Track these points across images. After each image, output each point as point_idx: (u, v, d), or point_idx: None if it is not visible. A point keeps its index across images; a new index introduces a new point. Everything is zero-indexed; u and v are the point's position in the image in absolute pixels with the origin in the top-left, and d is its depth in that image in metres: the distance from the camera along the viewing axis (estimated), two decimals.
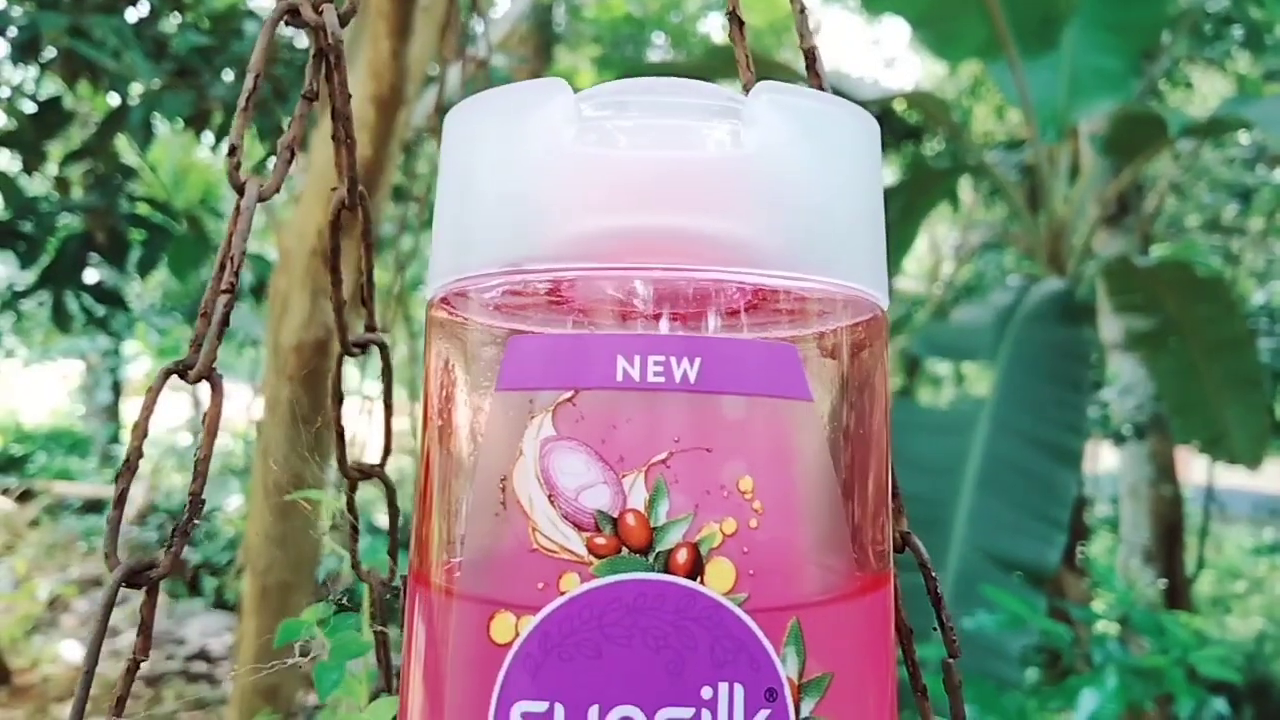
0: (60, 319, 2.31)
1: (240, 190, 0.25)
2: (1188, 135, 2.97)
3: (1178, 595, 4.15)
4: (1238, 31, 4.25)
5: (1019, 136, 4.30)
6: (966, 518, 2.53)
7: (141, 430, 0.24)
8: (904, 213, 3.49)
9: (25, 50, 2.22)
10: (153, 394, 0.24)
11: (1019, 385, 2.82)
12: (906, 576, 0.27)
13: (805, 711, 0.18)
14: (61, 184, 2.36)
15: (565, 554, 0.18)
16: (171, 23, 2.15)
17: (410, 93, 0.98)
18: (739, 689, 0.17)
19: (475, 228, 0.19)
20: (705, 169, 0.18)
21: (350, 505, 0.34)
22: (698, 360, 0.18)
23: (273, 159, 0.28)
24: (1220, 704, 2.07)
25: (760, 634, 0.17)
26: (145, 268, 2.24)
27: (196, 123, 2.24)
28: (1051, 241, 3.20)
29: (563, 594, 0.17)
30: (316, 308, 1.01)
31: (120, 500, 0.23)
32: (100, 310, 2.44)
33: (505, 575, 0.18)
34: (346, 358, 0.33)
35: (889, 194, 3.49)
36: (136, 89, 2.21)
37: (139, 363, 7.52)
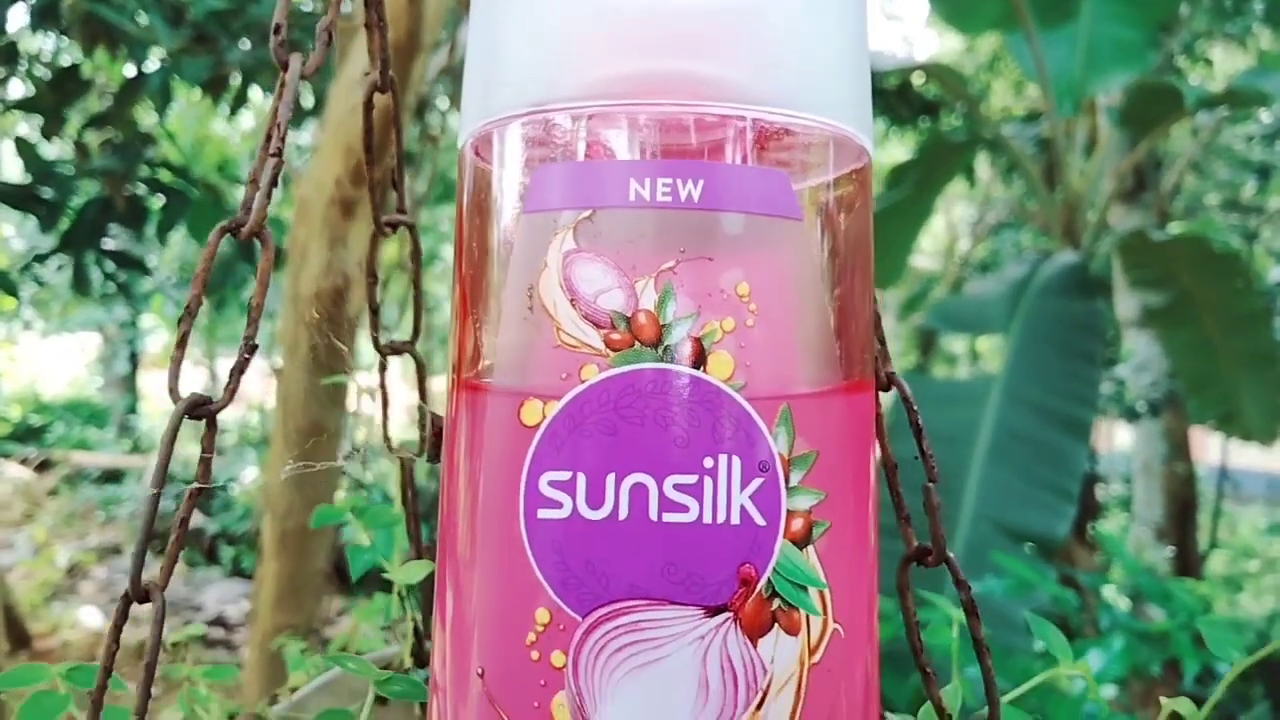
0: (80, 282, 2.34)
1: (284, 66, 0.27)
2: (1205, 107, 2.95)
3: (1190, 572, 4.16)
4: (1259, 6, 4.20)
5: (1037, 111, 4.28)
6: (977, 488, 2.54)
7: (202, 280, 0.27)
8: (920, 187, 3.48)
9: (44, 16, 2.24)
10: (210, 249, 0.27)
11: (1031, 358, 2.82)
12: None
13: (794, 481, 0.20)
14: (81, 149, 2.39)
15: (585, 349, 0.20)
16: None
17: (426, 40, 1.00)
18: (736, 460, 0.20)
19: (502, 75, 0.22)
20: (706, 17, 0.21)
21: (382, 382, 0.37)
22: (701, 182, 0.20)
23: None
24: (1226, 667, 2.09)
25: (755, 415, 0.20)
26: (164, 231, 2.27)
27: (214, 87, 2.26)
28: (1066, 215, 3.19)
29: (583, 382, 0.20)
30: (334, 256, 1.04)
31: (182, 341, 0.26)
32: (120, 276, 2.47)
33: (533, 369, 0.21)
34: (377, 277, 0.35)
35: (905, 169, 3.48)
36: (154, 55, 2.23)
37: (156, 335, 7.59)
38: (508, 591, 0.20)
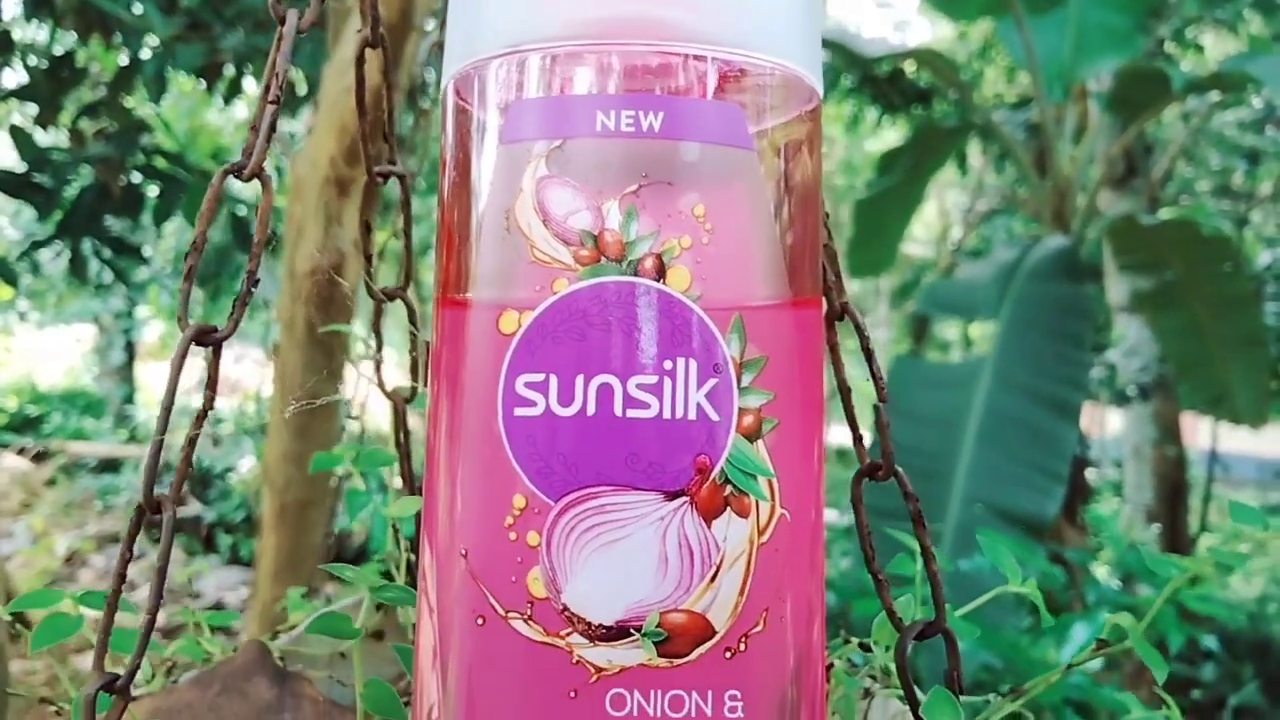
0: (77, 269, 2.36)
1: (281, 20, 0.29)
2: (1192, 91, 2.96)
3: (1180, 554, 4.17)
4: None
5: (1028, 97, 4.29)
6: (967, 470, 2.56)
7: (206, 218, 0.29)
8: (911, 173, 3.49)
9: (39, 4, 2.25)
10: (212, 193, 0.29)
11: (1020, 341, 2.83)
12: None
13: (745, 382, 0.22)
14: (76, 136, 2.40)
15: (557, 264, 0.22)
16: None
17: (417, 20, 1.02)
18: (693, 363, 0.22)
19: (480, 20, 0.24)
20: None
21: (377, 327, 0.39)
22: (661, 114, 0.23)
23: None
24: (1211, 641, 2.12)
25: (710, 323, 0.22)
26: (160, 217, 2.29)
27: (209, 75, 2.27)
28: (1056, 200, 3.20)
29: (555, 294, 0.22)
30: (329, 234, 1.06)
31: (189, 274, 0.28)
32: (118, 262, 2.48)
33: (510, 283, 0.23)
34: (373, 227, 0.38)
35: (896, 155, 3.50)
36: (148, 44, 2.24)
37: (152, 326, 7.59)
38: (488, 481, 0.22)
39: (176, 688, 0.39)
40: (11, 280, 2.35)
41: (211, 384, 0.28)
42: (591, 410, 0.22)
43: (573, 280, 0.22)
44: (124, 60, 2.32)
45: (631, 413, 0.22)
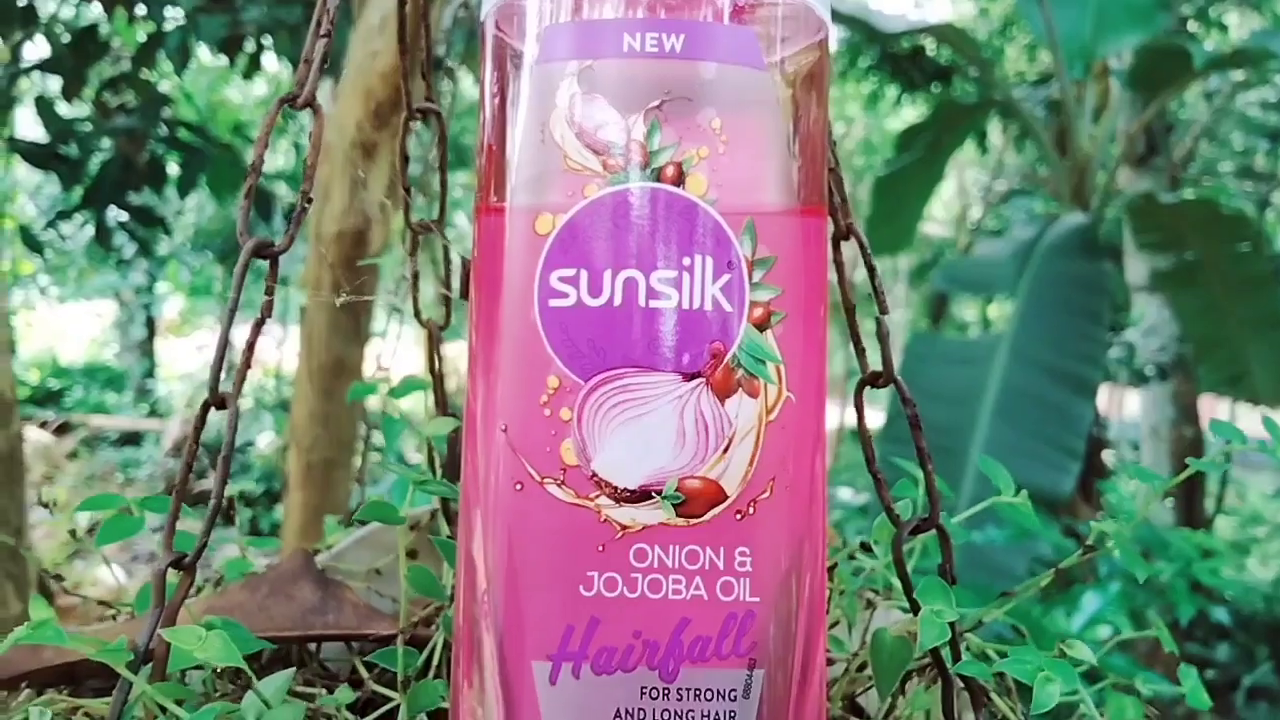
0: (102, 238, 2.39)
1: None
2: (1213, 68, 2.94)
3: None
4: None
5: (1048, 74, 4.26)
6: (983, 445, 2.56)
7: (260, 154, 0.31)
8: (930, 151, 3.49)
9: None
10: (269, 120, 0.32)
11: (1038, 317, 2.83)
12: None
13: (755, 278, 0.25)
14: (101, 107, 2.43)
15: (588, 172, 0.25)
16: None
17: None
18: (709, 259, 0.25)
19: None
20: None
21: (413, 255, 0.42)
22: (682, 36, 0.25)
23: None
24: (1222, 613, 2.14)
25: (724, 225, 0.25)
26: (184, 188, 2.32)
27: (229, 49, 2.30)
28: (1075, 178, 3.19)
29: (586, 198, 0.25)
30: (355, 197, 1.09)
31: (249, 192, 0.31)
32: (141, 232, 2.52)
33: (546, 189, 0.25)
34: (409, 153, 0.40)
35: (916, 131, 3.49)
36: (171, 18, 2.27)
37: (172, 301, 7.67)
38: (525, 365, 0.25)
39: (228, 589, 0.42)
40: (37, 248, 2.39)
41: (269, 291, 0.31)
42: (618, 301, 0.24)
43: (602, 186, 0.25)
44: (147, 34, 2.35)
45: (654, 303, 0.24)
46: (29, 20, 2.37)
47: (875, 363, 0.32)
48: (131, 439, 6.17)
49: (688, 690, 0.23)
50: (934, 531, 0.32)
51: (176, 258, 6.24)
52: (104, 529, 0.37)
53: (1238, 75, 4.06)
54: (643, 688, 0.23)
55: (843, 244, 0.32)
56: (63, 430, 6.03)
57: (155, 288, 7.13)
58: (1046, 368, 2.73)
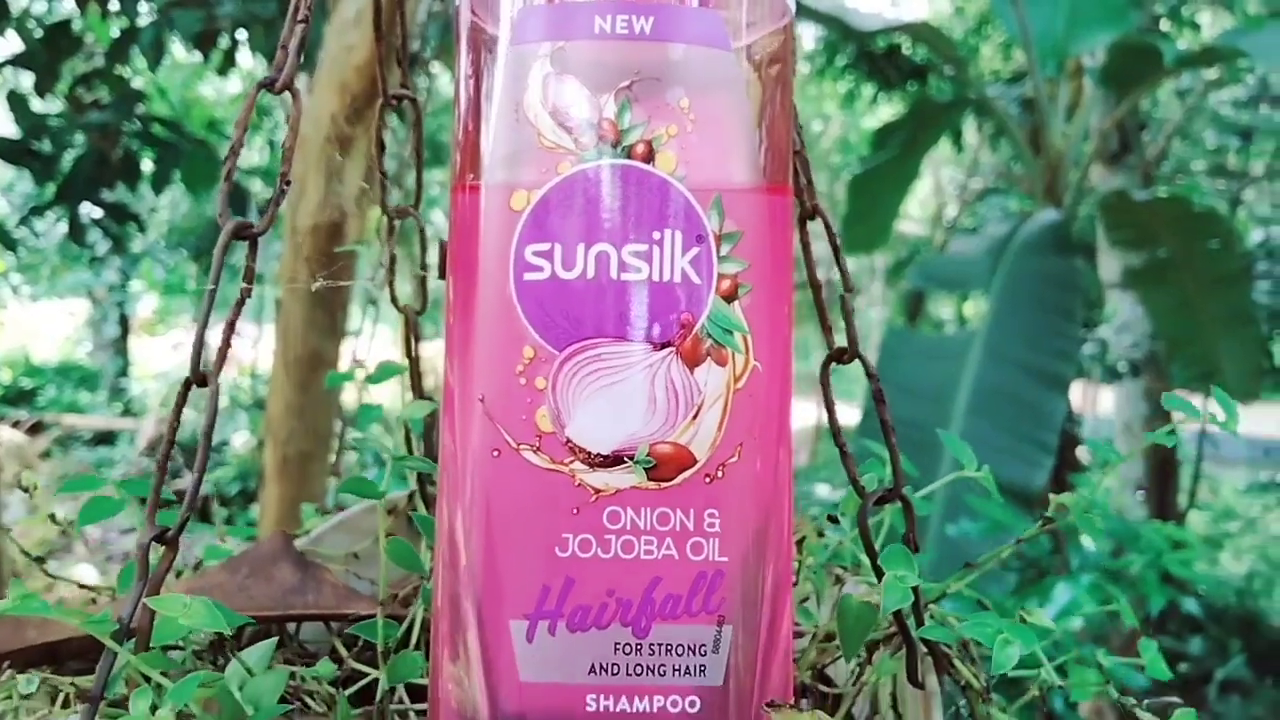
0: (76, 234, 2.37)
1: None
2: (1183, 66, 2.98)
3: None
4: None
5: (1022, 72, 4.29)
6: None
7: (239, 138, 0.32)
8: (906, 149, 3.51)
9: None
10: (249, 103, 0.32)
11: (1011, 314, 2.85)
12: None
13: (723, 252, 0.26)
14: (74, 102, 2.40)
15: (561, 149, 0.26)
16: None
17: None
18: (678, 234, 0.25)
19: None
20: None
21: (389, 241, 0.42)
22: (651, 18, 0.26)
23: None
24: (1193, 604, 2.17)
25: (693, 200, 0.26)
26: (159, 184, 2.31)
27: (204, 43, 2.28)
28: (1048, 176, 3.22)
29: (559, 175, 0.26)
30: (330, 191, 1.09)
31: (228, 175, 0.31)
32: (115, 229, 2.49)
33: (519, 166, 0.26)
34: (387, 127, 0.41)
35: (891, 129, 3.52)
36: (145, 12, 2.25)
37: (145, 300, 7.59)
38: (501, 336, 0.26)
39: (208, 570, 0.42)
40: (10, 246, 2.37)
41: (248, 275, 0.31)
42: (591, 274, 0.25)
43: (574, 163, 0.26)
44: (120, 29, 2.33)
45: (625, 276, 0.25)
46: (2, 15, 2.34)
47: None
48: (105, 438, 6.11)
49: (659, 645, 0.24)
50: (898, 502, 0.33)
51: (150, 255, 6.18)
52: (85, 509, 0.37)
53: (1210, 74, 4.10)
54: (616, 644, 0.24)
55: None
56: (36, 430, 5.96)
57: (129, 286, 7.07)
58: (1019, 363, 2.74)
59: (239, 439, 5.20)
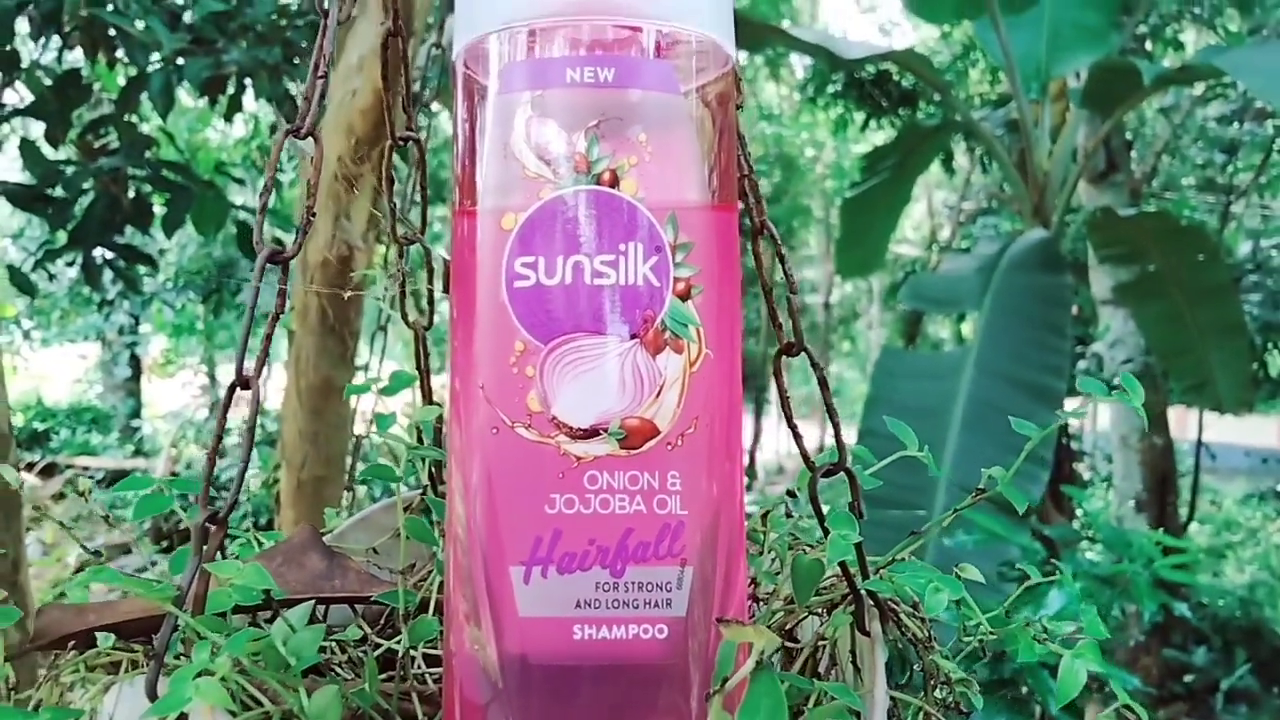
0: (90, 277, 2.44)
1: (324, 13, 0.38)
2: (1162, 85, 3.03)
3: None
4: None
5: (1008, 95, 4.37)
6: (954, 456, 2.61)
7: (271, 176, 0.38)
8: (896, 173, 3.57)
9: (47, 20, 2.33)
10: (277, 147, 0.38)
11: (1002, 330, 2.89)
12: None
13: (678, 259, 0.31)
14: (85, 148, 2.47)
15: (542, 179, 0.31)
16: None
17: (417, 26, 1.12)
18: (640, 245, 0.31)
19: (478, 6, 0.33)
20: None
21: (400, 267, 0.48)
22: (613, 69, 0.32)
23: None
24: (1183, 608, 2.21)
25: (651, 217, 0.31)
26: (171, 226, 2.37)
27: (211, 90, 2.35)
28: (1036, 195, 3.27)
29: (540, 200, 0.31)
30: (338, 228, 1.16)
31: (265, 190, 0.37)
32: (129, 270, 2.55)
33: (508, 193, 0.32)
34: (396, 162, 0.46)
35: (882, 154, 3.59)
36: (154, 60, 2.32)
37: (155, 341, 7.67)
38: (496, 334, 0.31)
39: (247, 560, 0.47)
40: (28, 290, 2.43)
41: (281, 295, 0.37)
42: (569, 280, 0.31)
43: (554, 189, 0.31)
44: (128, 77, 2.40)
45: (597, 281, 0.31)
46: (11, 66, 2.41)
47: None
48: (118, 479, 6.13)
49: (633, 583, 0.30)
50: (843, 475, 0.38)
51: (159, 297, 6.26)
52: (139, 505, 0.43)
53: (1196, 90, 4.17)
54: (597, 583, 0.30)
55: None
56: (48, 472, 6.00)
57: (139, 328, 7.15)
58: (1011, 379, 2.78)
59: (251, 474, 5.24)
